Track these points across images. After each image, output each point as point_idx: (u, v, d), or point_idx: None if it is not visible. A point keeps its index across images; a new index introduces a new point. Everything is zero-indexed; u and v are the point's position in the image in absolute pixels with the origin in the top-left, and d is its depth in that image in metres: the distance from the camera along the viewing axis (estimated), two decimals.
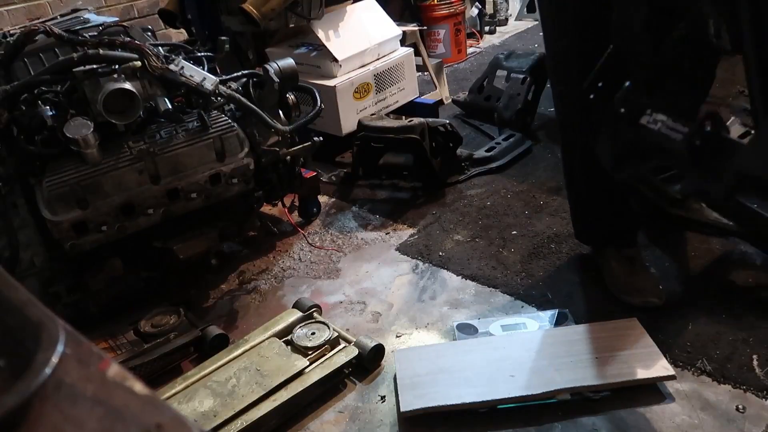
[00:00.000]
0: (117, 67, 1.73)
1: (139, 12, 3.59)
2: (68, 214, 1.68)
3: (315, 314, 1.79)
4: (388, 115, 2.84)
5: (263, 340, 1.69)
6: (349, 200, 2.57)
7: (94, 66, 1.71)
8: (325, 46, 2.69)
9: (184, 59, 1.86)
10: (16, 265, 1.72)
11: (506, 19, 5.03)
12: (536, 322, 1.70)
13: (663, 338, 1.58)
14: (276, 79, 1.99)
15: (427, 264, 2.07)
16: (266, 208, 2.45)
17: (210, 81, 1.80)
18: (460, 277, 1.98)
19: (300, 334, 1.69)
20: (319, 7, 2.70)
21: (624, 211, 1.79)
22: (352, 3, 2.93)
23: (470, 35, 4.63)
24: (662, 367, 1.45)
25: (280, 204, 2.34)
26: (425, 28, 3.74)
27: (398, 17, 3.99)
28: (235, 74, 2.01)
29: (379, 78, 2.84)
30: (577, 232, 1.97)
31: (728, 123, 1.04)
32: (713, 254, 1.89)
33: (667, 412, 1.40)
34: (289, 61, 2.07)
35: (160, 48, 1.88)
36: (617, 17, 1.25)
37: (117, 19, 2.33)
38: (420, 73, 3.35)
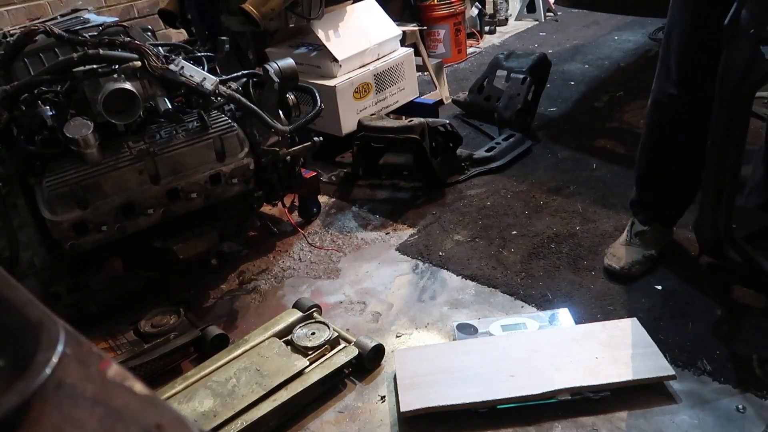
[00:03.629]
0: (117, 67, 1.73)
1: (139, 12, 3.58)
2: (68, 214, 1.68)
3: (315, 314, 1.79)
4: (388, 115, 2.84)
5: (263, 340, 1.69)
6: (349, 200, 2.57)
7: (94, 66, 1.71)
8: (325, 46, 2.69)
9: (184, 59, 1.86)
10: (16, 265, 1.72)
11: (506, 19, 5.03)
12: (536, 322, 1.70)
13: (663, 338, 1.58)
14: (276, 79, 1.99)
15: (427, 264, 2.07)
16: (266, 208, 2.44)
17: (210, 81, 1.80)
18: (460, 277, 1.98)
19: (300, 334, 1.69)
20: (319, 7, 2.70)
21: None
22: (352, 3, 2.92)
23: (470, 35, 4.63)
24: (662, 367, 1.45)
25: (280, 204, 2.34)
26: (425, 28, 3.74)
27: (398, 17, 3.99)
28: (235, 74, 2.01)
29: (379, 78, 2.84)
30: (642, 200, 1.95)
31: None
32: None
33: (667, 412, 1.40)
34: (289, 61, 2.07)
35: (160, 48, 1.88)
36: None
37: (117, 19, 2.32)
38: (420, 73, 3.35)
